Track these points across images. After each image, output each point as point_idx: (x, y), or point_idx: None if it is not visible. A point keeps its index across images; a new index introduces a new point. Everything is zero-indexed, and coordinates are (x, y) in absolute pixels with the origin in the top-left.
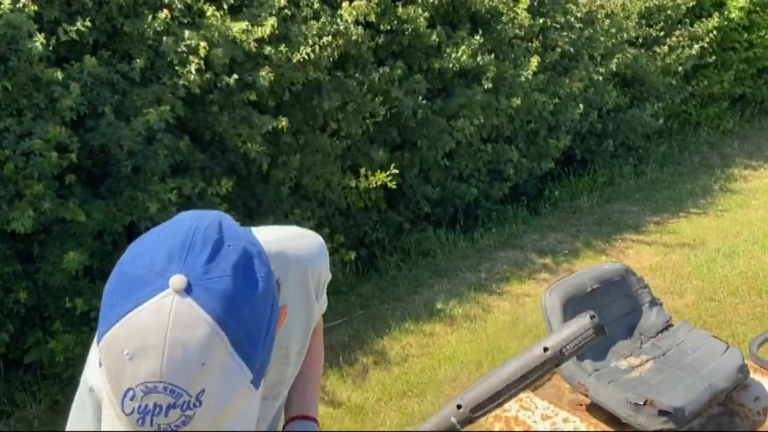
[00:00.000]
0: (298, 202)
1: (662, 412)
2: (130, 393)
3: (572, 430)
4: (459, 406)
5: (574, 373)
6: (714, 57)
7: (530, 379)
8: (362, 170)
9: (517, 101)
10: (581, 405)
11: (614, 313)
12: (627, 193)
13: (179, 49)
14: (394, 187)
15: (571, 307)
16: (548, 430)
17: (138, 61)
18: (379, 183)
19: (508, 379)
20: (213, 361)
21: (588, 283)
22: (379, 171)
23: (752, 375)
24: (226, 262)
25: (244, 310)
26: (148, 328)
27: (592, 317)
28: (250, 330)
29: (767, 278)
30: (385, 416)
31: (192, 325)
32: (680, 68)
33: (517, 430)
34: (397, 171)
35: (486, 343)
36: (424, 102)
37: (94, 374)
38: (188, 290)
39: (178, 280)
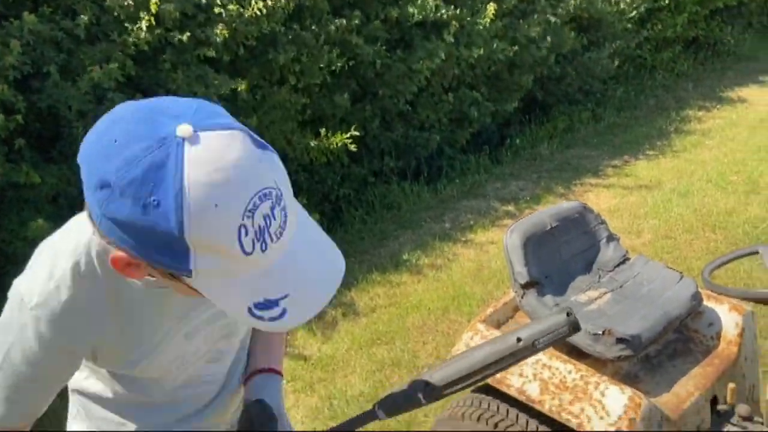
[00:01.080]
0: None
1: (620, 340)
2: (242, 230)
3: (535, 360)
4: (427, 384)
5: (536, 309)
6: (667, 0)
7: (500, 366)
8: (323, 130)
9: (479, 51)
10: None
11: (573, 249)
12: (586, 139)
13: (126, 3)
14: (354, 149)
15: (532, 245)
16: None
17: (82, 17)
18: (340, 143)
19: (478, 364)
20: (265, 155)
21: (547, 221)
22: (339, 133)
23: (706, 302)
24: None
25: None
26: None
27: (568, 314)
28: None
29: (720, 215)
30: (355, 364)
31: (229, 141)
32: (634, 12)
33: None
34: (357, 133)
35: (452, 290)
36: (383, 49)
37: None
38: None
39: (185, 128)
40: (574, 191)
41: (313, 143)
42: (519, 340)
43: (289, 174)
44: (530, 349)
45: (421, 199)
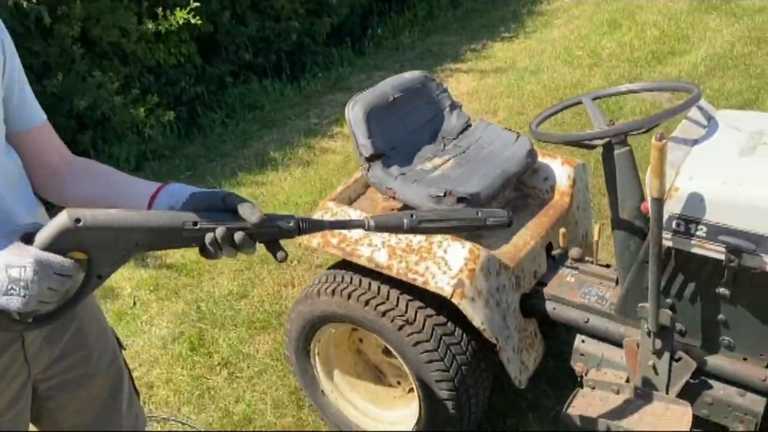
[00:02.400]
0: (95, 61)
1: (460, 199)
2: None
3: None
4: (412, 215)
5: (382, 180)
6: None
7: (461, 230)
8: (159, 10)
9: None
10: (393, 210)
11: (417, 120)
12: (445, 25)
13: None
14: (199, 22)
15: (375, 118)
16: (362, 235)
17: None
18: (182, 22)
19: (451, 217)
20: None
21: (389, 92)
22: (179, 9)
23: (541, 159)
24: None
25: None
26: None
27: (509, 213)
28: None
29: (567, 88)
30: (222, 266)
31: None
32: None
33: (332, 240)
34: (199, 3)
35: (319, 184)
36: None
37: None
38: None
39: None
40: (436, 76)
41: (151, 27)
42: (478, 213)
43: (133, 77)
44: (482, 224)
45: (285, 97)
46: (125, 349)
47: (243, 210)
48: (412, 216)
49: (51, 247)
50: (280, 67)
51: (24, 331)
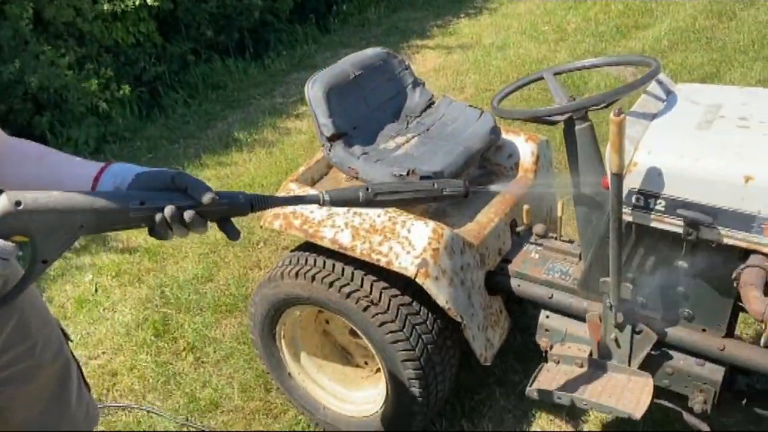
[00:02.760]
0: (49, 42)
1: (423, 178)
2: None
3: (346, 210)
4: (368, 188)
5: (344, 160)
6: None
7: (418, 201)
8: None
9: None
10: None
11: (380, 97)
12: (412, 1)
13: None
14: (156, 3)
15: (335, 96)
16: (324, 216)
17: None
18: (138, 2)
19: (407, 189)
20: None
21: (350, 70)
22: None
23: (505, 135)
24: None
25: None
26: None
27: (465, 183)
28: None
29: (533, 63)
30: (187, 250)
31: None
32: None
33: (295, 221)
34: None
35: (285, 164)
36: None
37: None
38: None
39: None
40: (401, 53)
41: (105, 6)
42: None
43: (90, 57)
44: (438, 194)
45: (249, 76)
46: (71, 341)
47: (192, 188)
48: (367, 189)
49: None
50: (243, 45)
51: None
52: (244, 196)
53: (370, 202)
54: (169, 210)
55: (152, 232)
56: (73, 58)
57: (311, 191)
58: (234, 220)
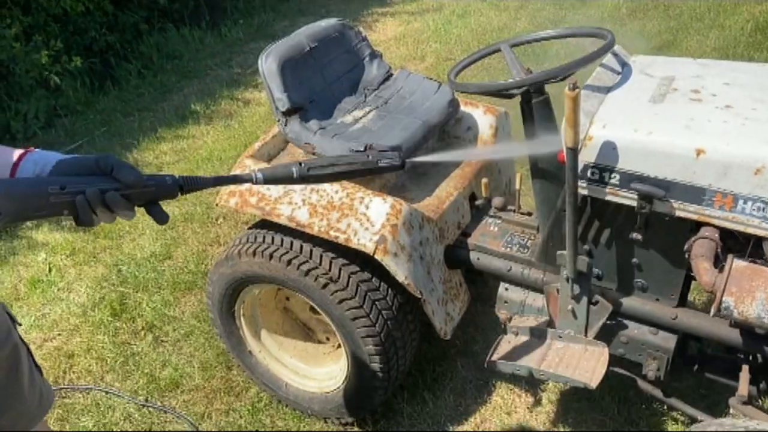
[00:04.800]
0: None
1: (382, 152)
2: None
3: (303, 186)
4: (301, 164)
5: (300, 135)
6: None
7: (353, 174)
8: None
9: None
10: None
11: (337, 70)
12: None
13: None
14: None
15: (290, 69)
16: (281, 193)
17: None
18: None
19: (342, 162)
20: None
21: (305, 42)
22: None
23: (463, 108)
24: None
25: None
26: None
27: (400, 153)
28: None
29: (494, 32)
30: (143, 227)
31: None
32: None
33: (251, 199)
34: None
35: (243, 137)
36: None
37: None
38: None
39: None
40: (362, 21)
41: None
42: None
43: (37, 26)
44: (374, 167)
45: (205, 46)
46: (20, 324)
47: (117, 170)
48: (300, 164)
49: None
50: (198, 13)
51: None
52: (172, 178)
53: (304, 178)
54: (90, 192)
55: (77, 220)
56: (20, 29)
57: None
58: (196, 194)
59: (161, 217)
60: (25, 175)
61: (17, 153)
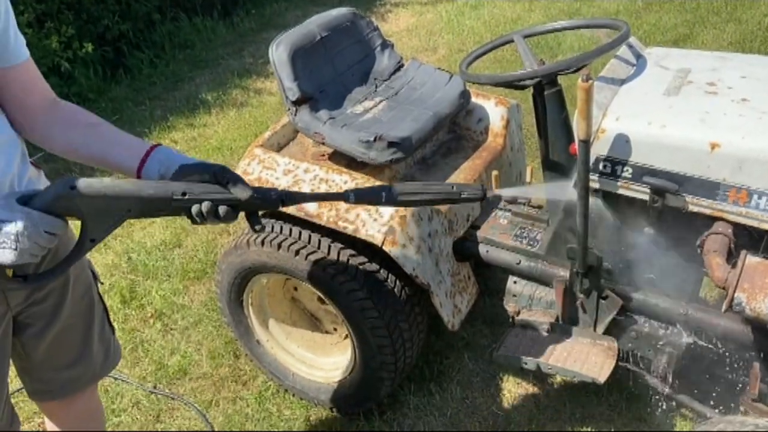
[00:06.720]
0: None
1: (391, 144)
2: None
3: (312, 177)
4: (390, 189)
5: (309, 125)
6: None
7: (436, 203)
8: None
9: None
10: (324, 156)
11: (347, 60)
12: None
13: None
14: None
15: (301, 59)
16: (290, 183)
17: None
18: None
19: (428, 191)
20: None
21: (316, 31)
22: None
23: (474, 99)
24: None
25: None
26: None
27: (483, 186)
28: None
29: (507, 24)
30: None
31: None
32: None
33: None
34: None
35: (254, 127)
36: None
37: None
38: None
39: None
40: (375, 12)
41: None
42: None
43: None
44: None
45: (217, 35)
46: (102, 283)
47: (233, 185)
48: (390, 189)
49: (47, 210)
50: (210, 3)
51: (19, 289)
52: (276, 193)
53: (392, 203)
54: (206, 205)
55: (191, 221)
56: (32, 16)
57: (278, 158)
58: None
59: (255, 223)
60: (151, 173)
61: (144, 148)
